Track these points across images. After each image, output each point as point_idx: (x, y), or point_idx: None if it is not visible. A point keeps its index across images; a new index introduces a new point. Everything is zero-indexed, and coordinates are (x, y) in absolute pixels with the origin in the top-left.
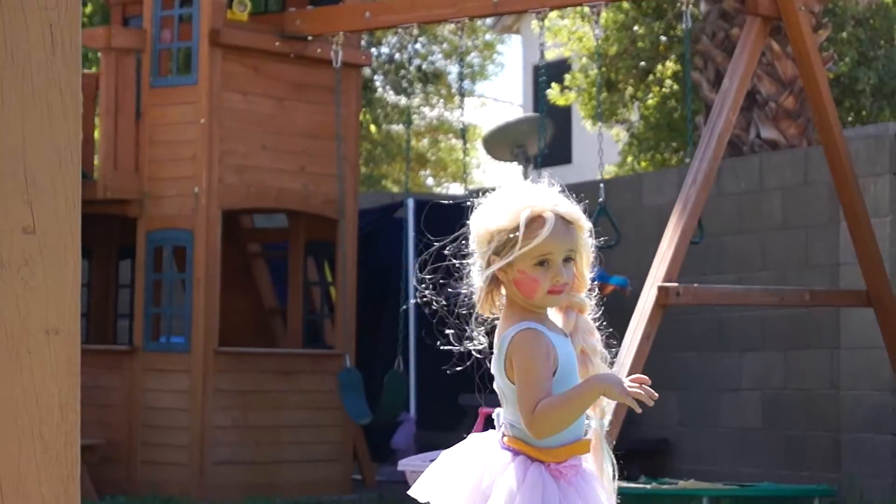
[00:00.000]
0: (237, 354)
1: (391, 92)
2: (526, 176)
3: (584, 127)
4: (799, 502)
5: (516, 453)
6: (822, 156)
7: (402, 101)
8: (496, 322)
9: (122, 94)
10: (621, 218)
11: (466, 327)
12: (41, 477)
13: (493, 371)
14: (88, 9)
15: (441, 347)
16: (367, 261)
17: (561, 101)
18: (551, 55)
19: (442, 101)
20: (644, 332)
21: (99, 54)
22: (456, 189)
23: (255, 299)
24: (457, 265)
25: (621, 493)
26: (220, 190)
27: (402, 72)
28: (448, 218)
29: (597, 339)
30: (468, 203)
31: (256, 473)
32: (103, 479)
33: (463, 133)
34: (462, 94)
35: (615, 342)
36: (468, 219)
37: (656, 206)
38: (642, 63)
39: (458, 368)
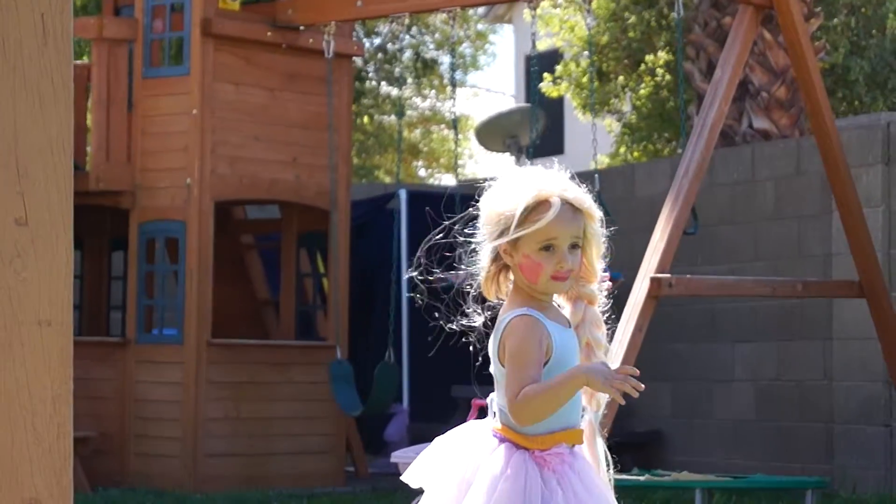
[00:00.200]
0: (230, 346)
1: (383, 82)
2: (519, 166)
3: (576, 117)
4: (792, 494)
5: (503, 440)
6: (815, 146)
7: (394, 91)
8: (498, 306)
9: (114, 85)
10: (613, 208)
11: (467, 308)
12: (34, 469)
13: (489, 354)
14: None
15: (434, 332)
16: (360, 252)
17: (553, 93)
18: (543, 45)
19: (434, 91)
20: (636, 324)
21: (91, 44)
22: (448, 180)
23: (248, 291)
24: (454, 251)
25: (614, 485)
26: (213, 181)
27: (395, 63)
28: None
29: (603, 332)
30: (458, 193)
31: (249, 465)
32: (96, 471)
33: (455, 124)
34: (454, 85)
35: (608, 333)
36: (459, 210)
37: (649, 196)
38: (634, 49)
39: (453, 355)
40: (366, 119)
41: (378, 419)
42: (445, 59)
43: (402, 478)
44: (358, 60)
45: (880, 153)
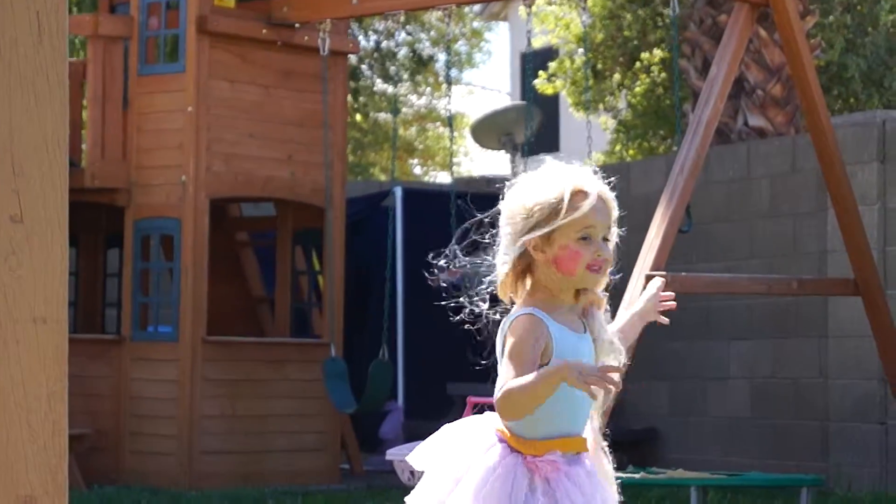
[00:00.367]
0: (225, 343)
1: (378, 80)
2: (514, 164)
3: (571, 115)
4: (787, 491)
5: (501, 440)
6: (810, 143)
7: (390, 89)
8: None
9: (109, 82)
10: None
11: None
12: (29, 466)
13: (497, 353)
14: None
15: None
16: (355, 249)
17: (548, 90)
18: (539, 43)
19: (429, 89)
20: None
21: (86, 41)
22: (444, 177)
23: (243, 288)
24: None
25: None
26: (208, 178)
27: (390, 60)
28: (435, 206)
29: (607, 335)
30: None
31: (244, 462)
32: (91, 468)
33: (450, 121)
34: (449, 83)
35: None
36: (454, 208)
37: (644, 194)
38: (630, 47)
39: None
40: (359, 117)
41: (373, 417)
42: (441, 57)
43: (407, 458)
44: (353, 58)
45: (875, 151)
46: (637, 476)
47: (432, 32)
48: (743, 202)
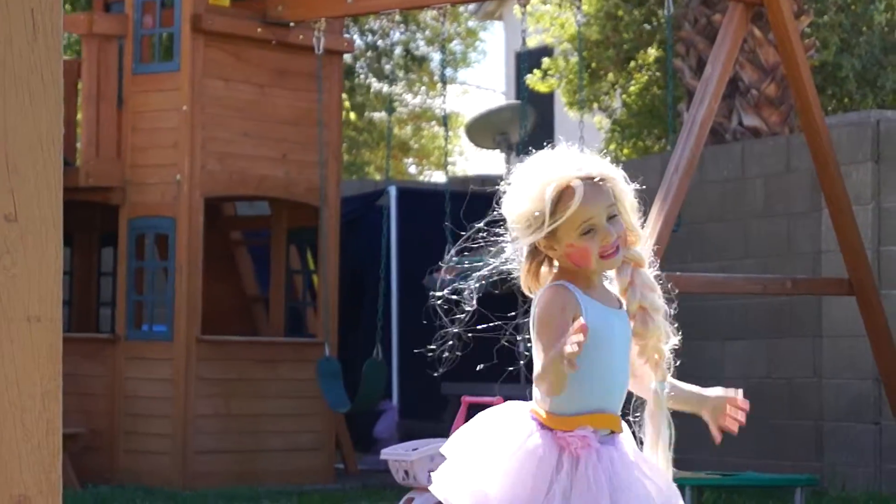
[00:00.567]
0: (219, 343)
1: (373, 79)
2: (509, 163)
3: (566, 114)
4: (781, 491)
5: (534, 419)
6: (804, 143)
7: (385, 88)
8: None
9: (104, 81)
10: None
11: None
12: (22, 465)
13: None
14: None
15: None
16: (350, 248)
17: (542, 88)
18: (533, 42)
19: (424, 88)
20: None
21: (81, 40)
22: (438, 177)
23: (238, 287)
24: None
25: None
26: (203, 177)
27: (385, 59)
28: (430, 206)
29: (658, 294)
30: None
31: (239, 462)
32: (86, 467)
33: (445, 121)
34: (444, 82)
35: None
36: (448, 207)
37: (638, 193)
38: (625, 48)
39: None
40: (353, 116)
41: (368, 416)
42: (436, 56)
43: (441, 448)
44: (348, 57)
45: (870, 150)
46: None
47: (427, 31)
48: (737, 202)
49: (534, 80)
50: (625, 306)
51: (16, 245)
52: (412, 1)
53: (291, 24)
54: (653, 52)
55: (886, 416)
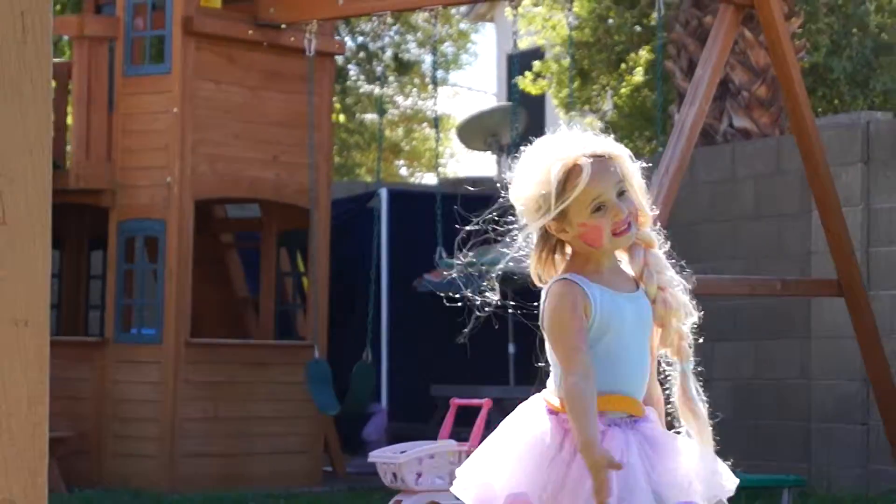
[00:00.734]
0: (209, 345)
1: (364, 81)
2: (500, 165)
3: (557, 116)
4: (769, 492)
5: (546, 407)
6: (795, 145)
7: (376, 90)
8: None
9: (94, 83)
10: None
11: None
12: (8, 469)
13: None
14: None
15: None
16: (341, 251)
17: (533, 90)
18: (525, 44)
19: (416, 90)
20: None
21: (72, 42)
22: (430, 179)
23: (227, 290)
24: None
25: None
26: (193, 180)
27: (376, 61)
28: (421, 208)
29: (672, 272)
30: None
31: (227, 465)
32: (73, 471)
33: (436, 122)
34: (435, 84)
35: None
36: (440, 209)
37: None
38: (616, 50)
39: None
40: (342, 118)
41: (356, 419)
42: (427, 58)
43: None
44: (339, 59)
45: (860, 152)
46: None
47: (419, 34)
48: (727, 203)
49: (525, 82)
50: (642, 289)
51: (4, 248)
52: (404, 3)
53: (283, 26)
54: (644, 54)
55: (874, 416)
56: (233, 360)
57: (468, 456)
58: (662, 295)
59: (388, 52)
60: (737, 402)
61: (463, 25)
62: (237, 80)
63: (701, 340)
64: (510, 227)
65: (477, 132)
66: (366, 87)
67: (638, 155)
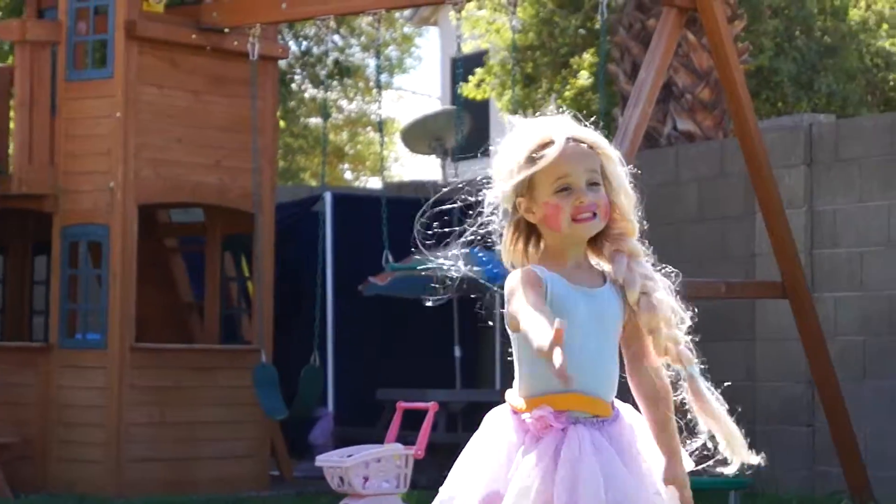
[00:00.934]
0: (154, 350)
1: (309, 85)
2: (444, 169)
3: (502, 119)
4: (716, 494)
5: (510, 409)
6: (738, 147)
7: (320, 94)
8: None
9: (37, 88)
10: None
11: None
12: None
13: None
14: (2, 1)
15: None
16: (285, 255)
17: (475, 96)
18: (469, 47)
19: (360, 94)
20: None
21: (14, 47)
22: (374, 183)
23: (172, 294)
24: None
25: None
26: (136, 184)
27: (320, 65)
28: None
29: (657, 281)
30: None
31: (173, 470)
32: (18, 477)
33: (381, 126)
34: (379, 88)
35: None
36: (385, 213)
37: None
38: (561, 53)
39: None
40: (282, 124)
41: (303, 423)
42: (371, 62)
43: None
44: (283, 63)
45: (802, 154)
46: None
47: (363, 38)
48: (671, 206)
49: (468, 87)
50: (609, 286)
51: None
52: (347, 7)
53: (226, 30)
54: (588, 58)
55: (819, 418)
56: (178, 364)
57: (415, 459)
58: (646, 300)
59: (332, 56)
60: (682, 404)
61: (407, 29)
62: (180, 84)
63: None
64: (467, 227)
65: (421, 136)
66: (310, 91)
67: None
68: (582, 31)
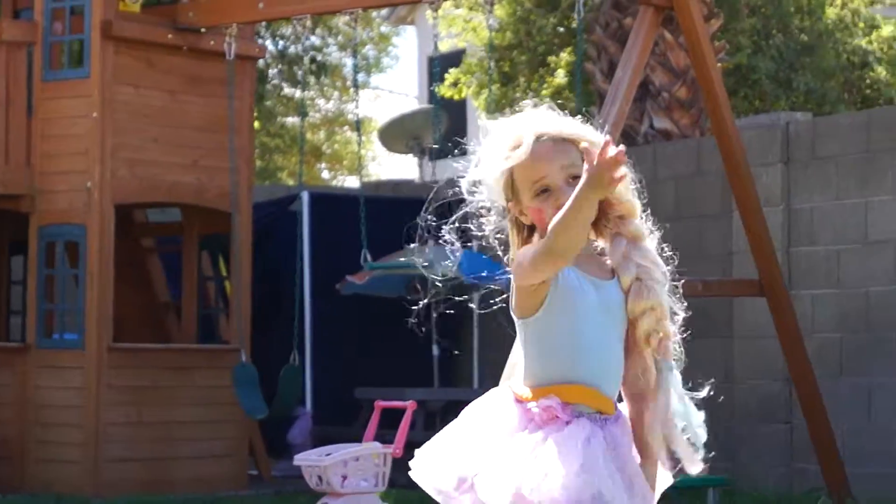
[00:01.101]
0: (131, 350)
1: (286, 84)
2: (422, 168)
3: (479, 118)
4: (694, 492)
5: (512, 396)
6: (715, 146)
7: (297, 93)
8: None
9: (13, 88)
10: None
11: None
12: None
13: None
14: None
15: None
16: (264, 254)
17: (452, 95)
18: (446, 46)
19: (337, 93)
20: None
21: None
22: (352, 182)
23: (149, 294)
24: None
25: None
26: (113, 184)
27: (297, 65)
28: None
29: (658, 267)
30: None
31: (151, 470)
32: None
33: (358, 126)
34: (357, 87)
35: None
36: (363, 212)
37: None
38: (538, 52)
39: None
40: (257, 124)
41: (281, 422)
42: (348, 62)
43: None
44: (261, 63)
45: (779, 152)
46: None
47: (340, 37)
48: (648, 204)
49: (444, 87)
50: (616, 280)
51: None
52: (324, 6)
53: (203, 29)
54: (565, 56)
55: (797, 416)
56: (156, 364)
57: (393, 458)
58: (637, 287)
59: (309, 56)
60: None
61: (384, 28)
62: (157, 84)
63: None
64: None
65: (399, 135)
66: (287, 91)
67: None
68: (559, 29)
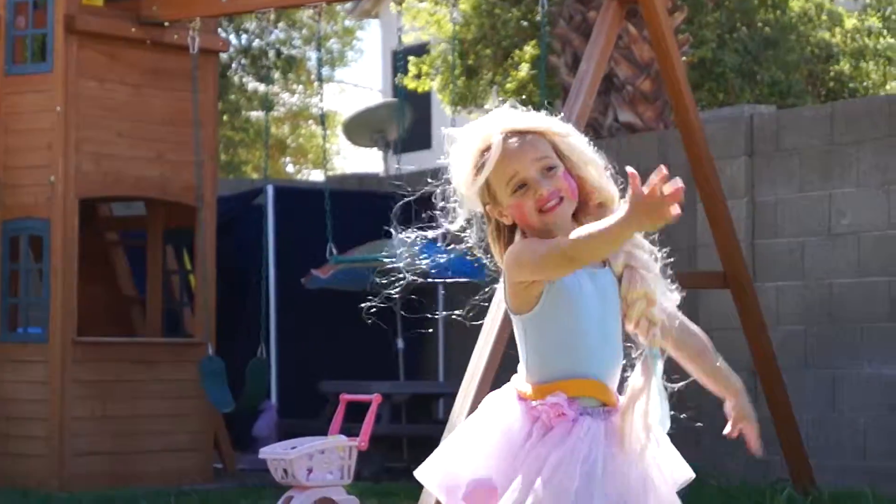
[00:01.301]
0: (96, 344)
1: (250, 78)
2: (386, 161)
3: (444, 111)
4: None
5: (516, 394)
6: (679, 138)
7: (261, 87)
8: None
9: None
10: None
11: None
12: None
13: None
14: None
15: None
16: (229, 248)
17: (417, 87)
18: (410, 39)
19: (302, 87)
20: (502, 325)
21: None
22: (317, 176)
23: (114, 288)
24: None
25: None
26: (77, 178)
27: (262, 59)
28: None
29: (648, 253)
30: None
31: (116, 463)
32: None
33: (322, 119)
34: (321, 81)
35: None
36: (328, 206)
37: None
38: (502, 45)
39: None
40: (224, 118)
41: (247, 415)
42: (313, 55)
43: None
44: (224, 56)
45: (743, 145)
46: None
47: (304, 31)
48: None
49: (408, 79)
50: (609, 267)
51: None
52: (287, 0)
53: (166, 23)
54: (529, 50)
55: (761, 407)
56: (121, 358)
57: (359, 451)
58: (629, 273)
59: (273, 50)
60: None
61: (348, 22)
62: (120, 78)
63: None
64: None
65: (363, 129)
66: (252, 85)
67: None
68: (523, 23)
